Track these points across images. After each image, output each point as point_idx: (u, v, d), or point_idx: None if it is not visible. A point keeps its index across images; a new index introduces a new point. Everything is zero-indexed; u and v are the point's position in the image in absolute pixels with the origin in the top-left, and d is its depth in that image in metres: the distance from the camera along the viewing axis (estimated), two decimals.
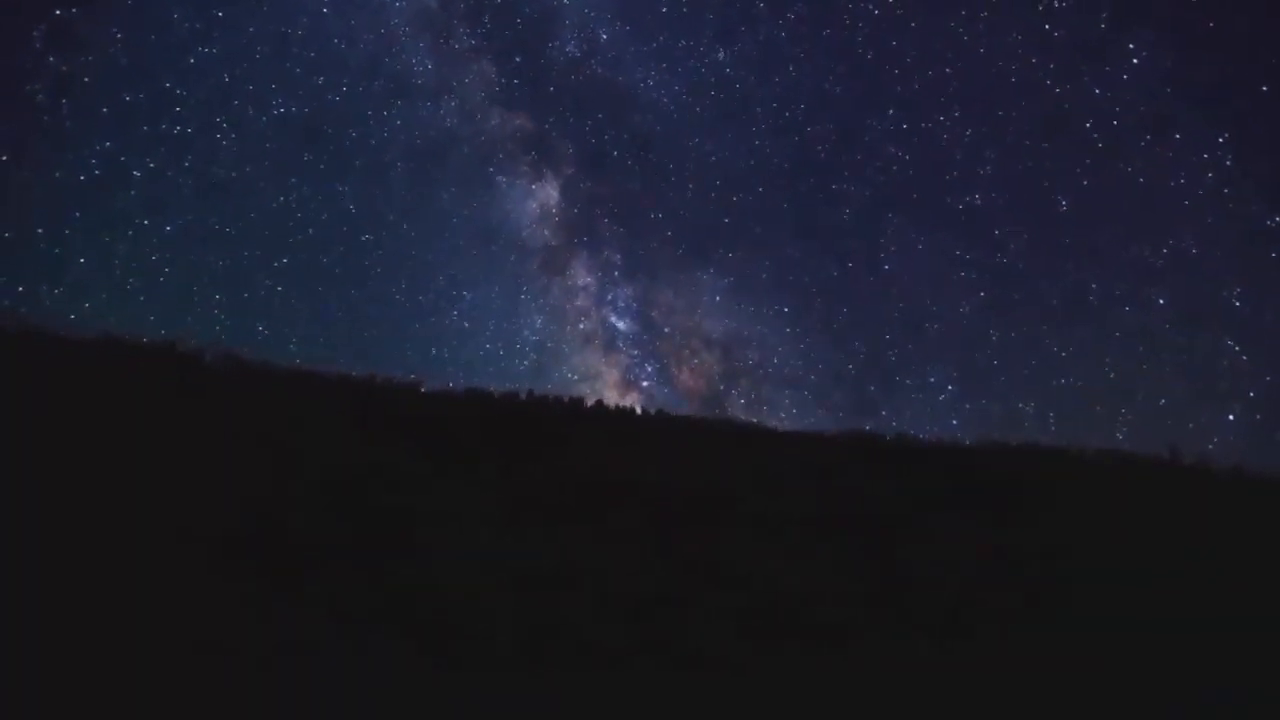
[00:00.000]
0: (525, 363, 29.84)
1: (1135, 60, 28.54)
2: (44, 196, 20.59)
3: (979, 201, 32.63)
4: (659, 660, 6.52)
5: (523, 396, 9.98)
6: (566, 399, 10.29)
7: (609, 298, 31.88)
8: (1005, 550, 10.19)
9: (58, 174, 21.21)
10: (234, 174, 25.83)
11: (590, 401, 11.20)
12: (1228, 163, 29.06)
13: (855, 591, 9.12)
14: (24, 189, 19.99)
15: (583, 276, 31.51)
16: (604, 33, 31.63)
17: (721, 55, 32.75)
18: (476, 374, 28.57)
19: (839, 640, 7.58)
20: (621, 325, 31.35)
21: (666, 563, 8.47)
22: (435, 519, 7.79)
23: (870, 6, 31.95)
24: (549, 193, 32.14)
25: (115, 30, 23.15)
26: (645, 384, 31.29)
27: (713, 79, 32.90)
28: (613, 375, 31.04)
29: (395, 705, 4.81)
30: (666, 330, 33.37)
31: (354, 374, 9.27)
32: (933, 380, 32.77)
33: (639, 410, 11.15)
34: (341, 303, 28.48)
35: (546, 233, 31.99)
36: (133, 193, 22.94)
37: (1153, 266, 31.31)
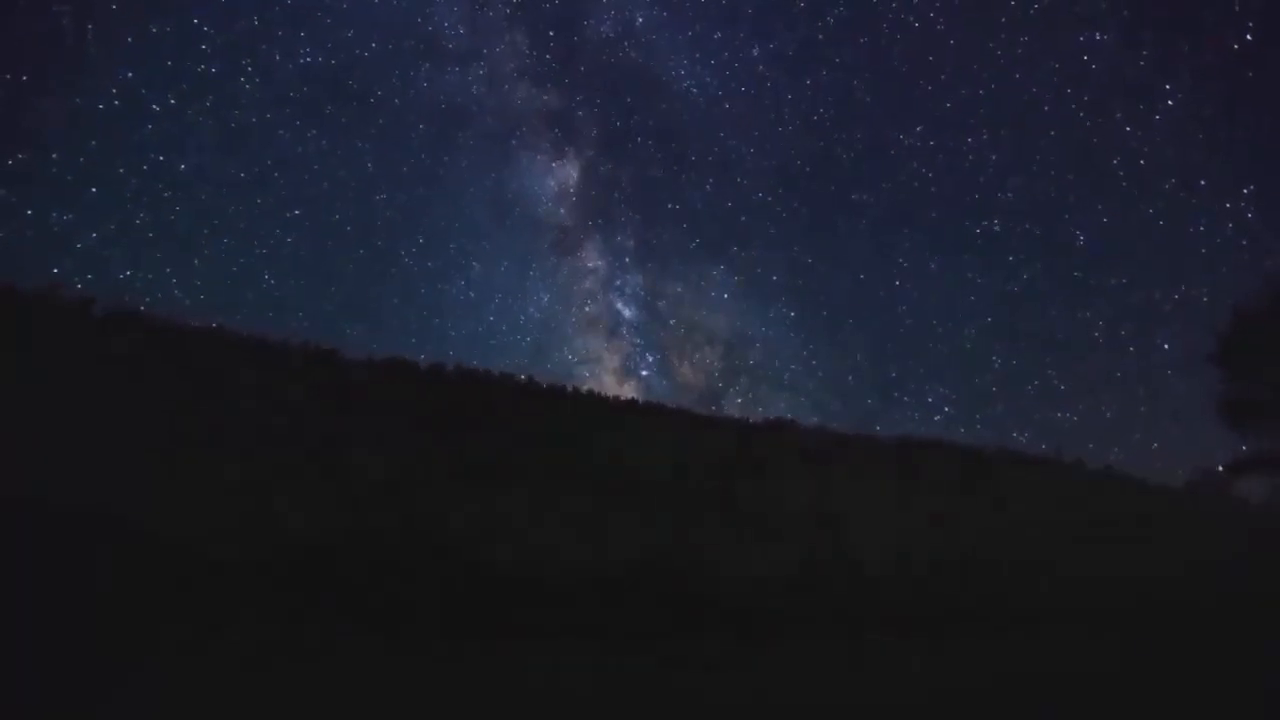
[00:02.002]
0: (527, 340, 29.82)
1: (1170, 102, 27.63)
2: (61, 122, 21.26)
3: (997, 227, 31.92)
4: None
5: (450, 368, 10.32)
6: (497, 374, 10.60)
7: (617, 283, 31.63)
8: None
9: (77, 100, 21.82)
10: (254, 119, 26.25)
11: (587, 387, 11.48)
12: (1249, 215, 28.10)
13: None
14: (42, 112, 20.67)
15: (593, 259, 31.38)
16: (640, 16, 31.28)
17: (756, 51, 32.27)
18: (477, 347, 28.74)
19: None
20: (627, 313, 31.12)
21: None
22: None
23: (910, 18, 31.10)
24: (568, 172, 32.06)
25: None
26: (644, 373, 31.07)
27: (744, 74, 32.43)
28: (613, 361, 30.83)
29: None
30: (671, 322, 32.99)
31: (267, 336, 9.43)
32: (930, 401, 32.28)
33: (570, 389, 11.46)
34: (349, 261, 28.81)
35: (562, 212, 31.82)
36: (150, 127, 23.54)
37: (1161, 310, 30.51)
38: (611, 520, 7.91)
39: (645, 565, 6.99)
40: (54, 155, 20.86)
